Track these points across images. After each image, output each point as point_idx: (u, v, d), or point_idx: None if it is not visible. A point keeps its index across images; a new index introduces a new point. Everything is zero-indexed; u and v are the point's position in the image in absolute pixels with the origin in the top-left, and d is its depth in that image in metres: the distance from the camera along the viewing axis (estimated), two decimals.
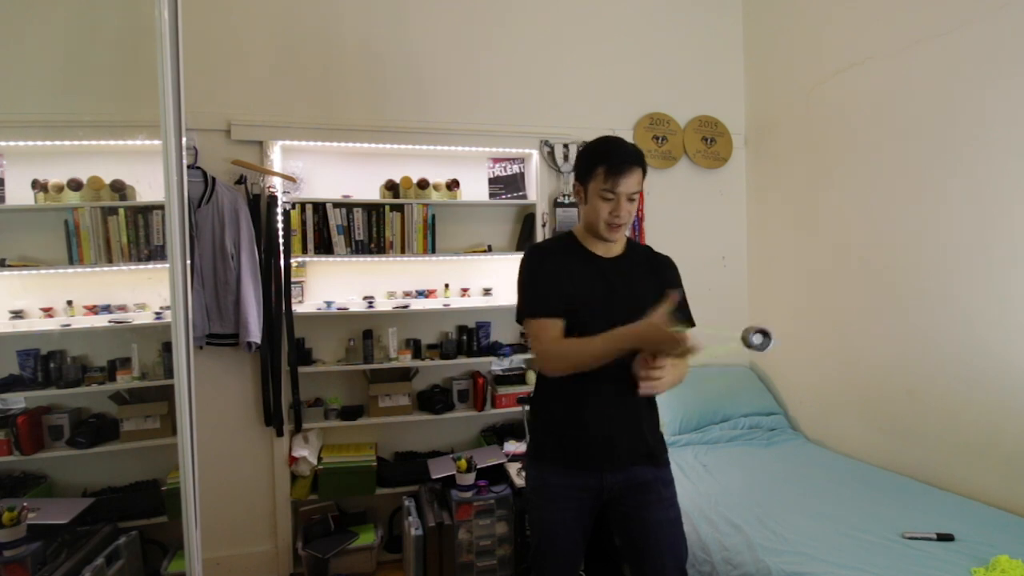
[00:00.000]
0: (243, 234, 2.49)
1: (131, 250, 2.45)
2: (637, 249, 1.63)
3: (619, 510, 1.53)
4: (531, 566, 1.59)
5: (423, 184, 2.81)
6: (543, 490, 1.54)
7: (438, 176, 2.88)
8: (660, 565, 1.50)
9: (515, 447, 2.75)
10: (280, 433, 2.62)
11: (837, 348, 2.70)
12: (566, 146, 2.96)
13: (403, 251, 2.75)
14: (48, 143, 2.45)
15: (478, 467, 2.52)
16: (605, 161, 1.45)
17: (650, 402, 1.56)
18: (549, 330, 1.45)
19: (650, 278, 1.55)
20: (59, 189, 2.43)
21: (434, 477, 2.57)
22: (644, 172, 1.50)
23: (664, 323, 1.25)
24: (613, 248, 1.56)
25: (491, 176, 3.01)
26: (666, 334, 1.24)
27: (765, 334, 1.36)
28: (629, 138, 3.08)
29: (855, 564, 1.63)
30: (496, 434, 2.95)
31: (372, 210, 2.72)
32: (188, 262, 1.62)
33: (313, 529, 2.58)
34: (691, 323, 1.59)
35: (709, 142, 3.23)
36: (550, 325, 1.46)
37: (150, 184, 2.54)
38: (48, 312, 2.47)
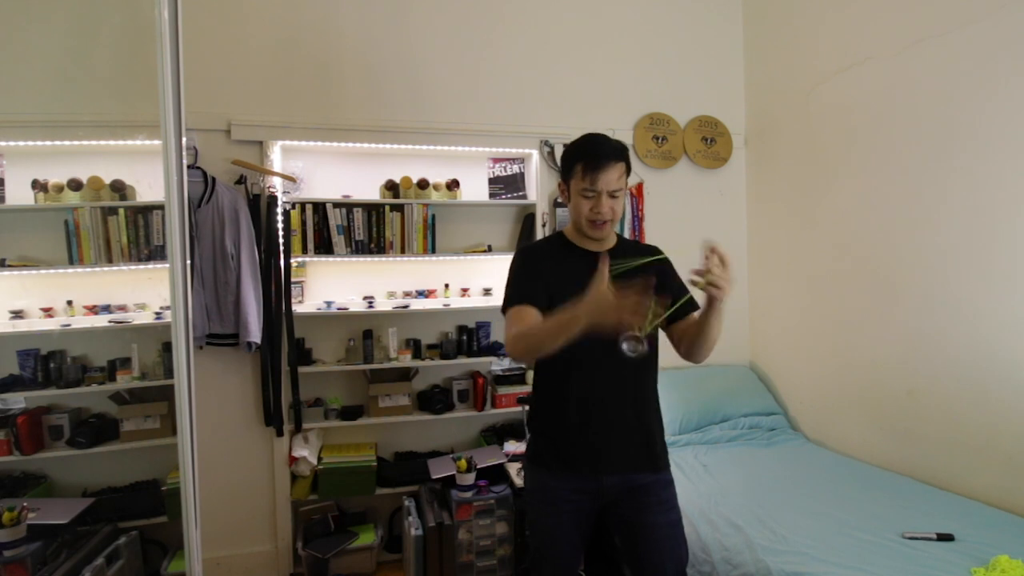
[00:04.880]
0: (243, 234, 2.49)
1: (131, 250, 2.45)
2: (627, 245, 1.63)
3: (618, 513, 1.52)
4: (530, 567, 1.58)
5: (423, 184, 2.81)
6: (541, 492, 1.53)
7: (438, 176, 2.88)
8: (660, 569, 1.49)
9: (515, 447, 2.75)
10: (280, 433, 2.62)
11: (837, 348, 2.69)
12: (566, 146, 2.95)
13: (403, 251, 2.75)
14: (48, 143, 2.44)
15: (478, 467, 2.52)
16: (583, 158, 1.46)
17: (654, 408, 1.55)
18: (520, 314, 1.42)
19: (641, 270, 1.51)
20: (59, 189, 2.43)
21: (434, 477, 2.57)
22: (628, 167, 1.49)
23: (605, 286, 1.17)
24: (604, 243, 1.56)
25: (491, 176, 3.01)
26: (607, 293, 1.16)
27: (637, 341, 1.26)
28: (629, 138, 3.10)
29: (855, 564, 1.63)
30: (496, 434, 2.95)
31: (372, 210, 2.72)
32: (188, 262, 1.62)
33: (313, 529, 2.58)
34: (695, 306, 1.53)
35: (709, 142, 3.23)
36: (523, 311, 1.43)
37: (150, 184, 2.54)
38: (48, 312, 2.47)
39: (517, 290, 1.49)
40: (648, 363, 1.53)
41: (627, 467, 1.49)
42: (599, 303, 1.18)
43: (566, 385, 1.47)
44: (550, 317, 1.31)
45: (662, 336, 1.58)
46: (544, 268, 1.51)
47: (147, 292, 2.59)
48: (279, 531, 2.66)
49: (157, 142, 1.55)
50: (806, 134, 2.85)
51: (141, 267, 2.49)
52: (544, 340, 1.29)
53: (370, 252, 2.73)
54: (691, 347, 1.47)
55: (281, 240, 2.60)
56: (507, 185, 3.00)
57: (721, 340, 3.59)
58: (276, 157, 2.68)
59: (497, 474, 2.61)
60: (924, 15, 2.22)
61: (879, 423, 2.47)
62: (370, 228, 2.73)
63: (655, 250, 1.60)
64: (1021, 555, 1.57)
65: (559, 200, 2.94)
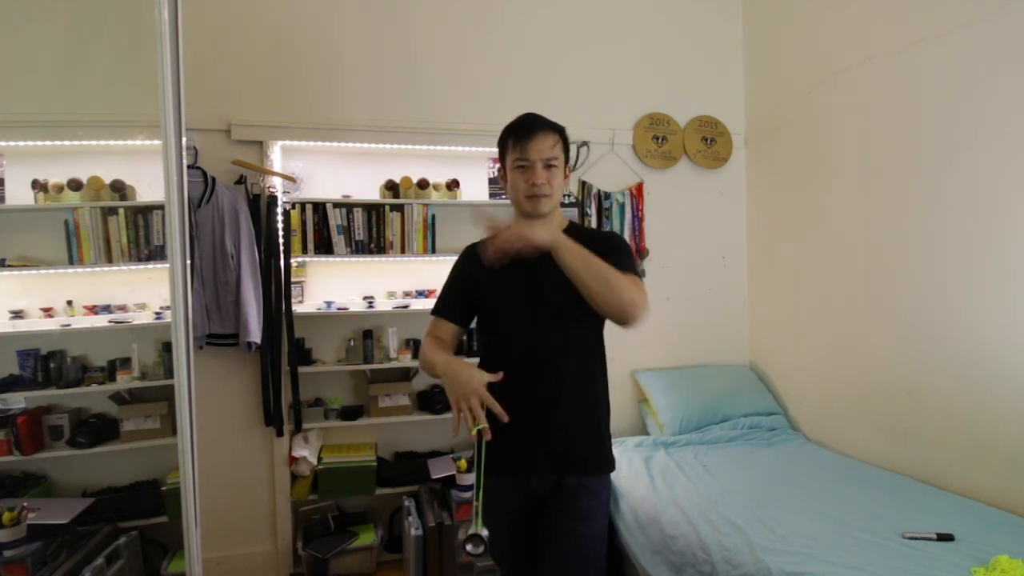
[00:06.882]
0: (243, 234, 2.49)
1: (131, 250, 2.45)
2: (580, 232, 1.49)
3: (543, 513, 1.47)
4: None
5: (423, 184, 2.81)
6: (488, 493, 1.46)
7: (438, 176, 2.88)
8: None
9: None
10: (280, 433, 2.62)
11: (837, 348, 2.69)
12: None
13: (403, 251, 2.75)
14: (48, 143, 2.45)
15: None
16: (513, 132, 1.45)
17: (592, 408, 1.47)
18: (435, 327, 1.54)
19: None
20: (59, 189, 2.43)
21: (434, 477, 2.57)
22: (564, 140, 1.46)
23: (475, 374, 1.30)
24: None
25: (491, 176, 3.00)
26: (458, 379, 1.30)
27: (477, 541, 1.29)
28: (629, 138, 3.10)
29: (855, 564, 1.62)
30: None
31: (372, 210, 2.72)
32: (188, 262, 1.62)
33: (313, 529, 2.58)
34: (634, 272, 1.45)
35: (709, 142, 3.23)
36: (439, 325, 1.53)
37: (150, 184, 2.54)
38: (48, 312, 2.47)
39: (441, 298, 1.57)
40: (587, 360, 1.48)
41: (555, 468, 1.44)
42: (453, 378, 1.31)
43: (501, 382, 1.35)
44: (438, 356, 1.41)
45: (616, 339, 1.53)
46: (480, 271, 1.47)
47: (147, 292, 2.59)
48: (279, 531, 2.66)
49: (157, 142, 1.55)
50: (806, 134, 2.85)
51: (141, 267, 2.49)
52: (429, 370, 1.44)
53: (370, 252, 2.73)
54: (589, 300, 1.36)
55: (281, 240, 2.60)
56: None
57: (721, 340, 3.57)
58: (276, 157, 2.68)
59: None
60: (924, 15, 2.22)
61: (879, 423, 2.47)
62: (370, 228, 2.73)
63: (612, 235, 1.57)
64: (1021, 555, 1.57)
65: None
